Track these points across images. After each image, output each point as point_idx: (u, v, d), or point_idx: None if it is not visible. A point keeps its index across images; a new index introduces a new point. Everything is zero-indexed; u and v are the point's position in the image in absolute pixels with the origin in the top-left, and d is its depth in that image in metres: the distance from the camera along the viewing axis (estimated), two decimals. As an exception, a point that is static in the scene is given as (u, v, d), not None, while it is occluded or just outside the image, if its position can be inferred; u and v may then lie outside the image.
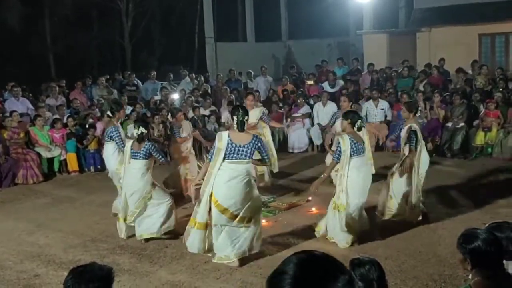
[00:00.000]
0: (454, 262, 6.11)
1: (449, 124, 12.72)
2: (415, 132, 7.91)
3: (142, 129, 7.76)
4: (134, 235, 7.80)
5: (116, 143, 8.72)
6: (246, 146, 6.59)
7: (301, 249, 6.24)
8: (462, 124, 12.63)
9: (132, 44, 26.01)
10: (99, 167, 12.33)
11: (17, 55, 23.34)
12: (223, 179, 6.54)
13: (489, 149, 12.28)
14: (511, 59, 17.97)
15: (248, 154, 6.60)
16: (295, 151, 13.90)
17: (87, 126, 12.90)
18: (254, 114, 9.55)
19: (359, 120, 7.40)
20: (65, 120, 13.01)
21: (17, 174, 11.68)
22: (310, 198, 9.48)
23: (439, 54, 17.03)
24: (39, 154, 12.13)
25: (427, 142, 12.70)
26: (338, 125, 9.34)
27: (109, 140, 8.91)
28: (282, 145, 14.06)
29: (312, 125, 14.09)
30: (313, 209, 8.92)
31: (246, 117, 6.77)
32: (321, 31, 26.23)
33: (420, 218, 7.99)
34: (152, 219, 7.71)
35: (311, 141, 14.05)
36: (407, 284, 6.04)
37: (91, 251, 7.48)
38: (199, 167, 9.75)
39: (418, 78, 15.43)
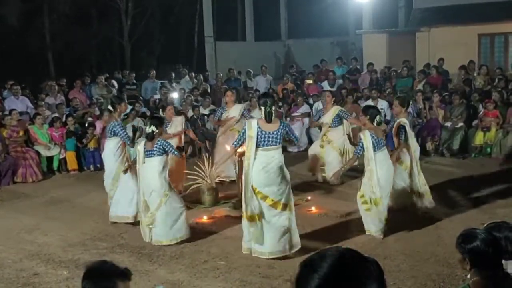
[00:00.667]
0: (453, 262, 6.12)
1: (448, 124, 12.73)
2: (404, 127, 8.28)
3: (153, 127, 7.64)
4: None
5: (121, 137, 8.49)
6: (275, 132, 6.81)
7: (300, 248, 6.20)
8: (461, 124, 12.65)
9: (132, 43, 25.99)
10: (98, 165, 12.34)
11: (16, 52, 23.31)
12: (260, 167, 6.76)
13: (488, 149, 12.29)
14: (510, 59, 17.97)
15: (278, 140, 6.83)
16: (294, 150, 13.89)
17: (86, 124, 12.90)
18: (237, 110, 10.52)
19: (378, 115, 7.63)
20: (64, 119, 13.00)
21: (16, 172, 11.69)
22: (309, 197, 9.50)
23: (439, 54, 17.04)
24: (38, 153, 12.13)
25: (426, 142, 12.75)
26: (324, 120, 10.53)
27: (111, 135, 8.62)
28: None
29: (312, 124, 14.09)
30: (313, 208, 8.94)
31: (273, 107, 6.97)
32: (320, 30, 26.22)
33: (431, 204, 8.30)
34: (167, 226, 7.52)
35: (310, 140, 14.04)
36: (406, 284, 6.05)
37: (90, 250, 7.48)
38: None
39: (417, 78, 15.44)
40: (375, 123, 7.53)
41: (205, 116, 14.20)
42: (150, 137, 7.65)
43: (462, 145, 12.54)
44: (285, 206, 6.87)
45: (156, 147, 7.59)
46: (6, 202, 10.34)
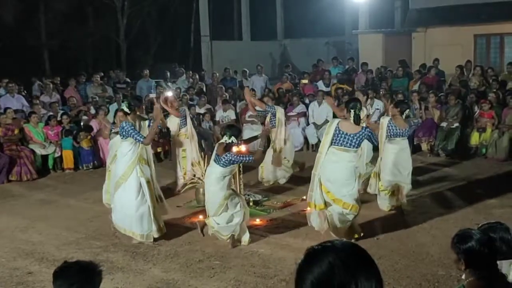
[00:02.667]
0: (448, 262, 6.13)
1: (444, 124, 12.73)
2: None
3: (233, 138, 7.18)
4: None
5: (135, 138, 7.41)
6: (353, 135, 7.03)
7: (295, 248, 6.20)
8: (457, 124, 12.65)
9: (128, 42, 25.93)
10: (95, 162, 12.35)
11: (11, 50, 23.23)
12: (328, 162, 7.15)
13: (484, 150, 12.30)
14: (506, 60, 18.00)
15: (354, 144, 7.08)
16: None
17: (81, 124, 12.87)
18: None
19: (408, 109, 8.86)
20: (59, 118, 12.96)
21: (11, 171, 11.64)
22: (304, 197, 9.48)
23: (435, 54, 17.06)
24: (33, 151, 12.09)
25: (422, 142, 12.76)
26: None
27: (124, 138, 7.55)
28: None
29: (308, 124, 14.07)
30: (308, 208, 8.90)
31: (361, 111, 7.49)
32: (316, 30, 26.22)
33: None
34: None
35: (306, 140, 14.04)
36: (401, 284, 6.05)
37: (85, 248, 7.46)
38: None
39: (414, 78, 15.45)
40: (403, 116, 8.53)
41: (201, 115, 14.17)
42: (229, 148, 7.18)
43: (458, 146, 12.55)
44: (348, 206, 7.16)
45: (225, 156, 7.14)
46: (0, 200, 10.29)
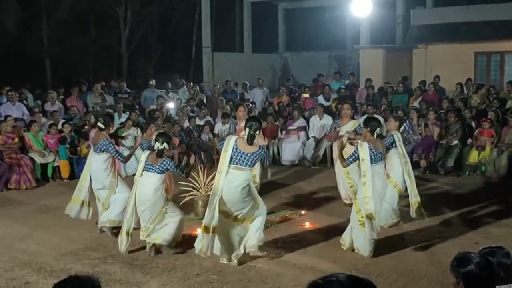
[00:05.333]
0: (446, 281, 6.11)
1: (443, 142, 12.75)
2: (393, 135, 8.62)
3: (165, 145, 7.47)
4: (135, 250, 7.68)
5: (114, 154, 8.42)
6: (250, 154, 6.92)
7: (293, 264, 6.21)
8: (456, 142, 12.67)
9: (129, 52, 26.02)
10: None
11: (13, 58, 23.31)
12: (227, 182, 6.95)
13: (483, 168, 12.32)
14: (506, 78, 18.09)
15: (250, 163, 6.96)
16: (288, 163, 13.87)
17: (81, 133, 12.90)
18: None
19: (379, 128, 7.56)
20: (60, 126, 12.97)
21: (10, 179, 11.64)
22: (303, 212, 9.49)
23: (435, 71, 17.13)
24: (32, 160, 12.09)
25: (421, 159, 12.77)
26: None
27: (100, 152, 8.42)
28: (276, 157, 14.06)
29: (308, 138, 14.08)
30: (307, 223, 8.91)
31: (257, 132, 7.05)
32: (318, 44, 26.34)
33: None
34: (168, 228, 7.58)
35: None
36: (398, 303, 6.04)
37: (82, 259, 7.44)
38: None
39: (415, 94, 15.50)
40: (375, 135, 7.48)
41: (200, 127, 14.19)
42: (161, 154, 7.46)
43: (457, 163, 12.56)
44: (247, 220, 7.18)
45: (160, 165, 7.45)
46: (-2, 208, 10.29)
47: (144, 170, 7.52)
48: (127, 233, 7.57)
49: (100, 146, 8.40)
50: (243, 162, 6.92)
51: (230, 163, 6.93)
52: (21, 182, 11.68)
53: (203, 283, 6.61)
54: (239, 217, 7.16)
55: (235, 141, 7.02)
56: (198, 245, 7.04)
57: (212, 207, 6.94)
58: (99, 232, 8.50)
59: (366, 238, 7.26)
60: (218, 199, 6.92)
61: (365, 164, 7.27)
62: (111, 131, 8.95)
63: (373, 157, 7.30)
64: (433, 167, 12.71)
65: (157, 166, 7.46)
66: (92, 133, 12.62)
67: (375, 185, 7.29)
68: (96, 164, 8.54)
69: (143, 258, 7.45)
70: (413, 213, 8.34)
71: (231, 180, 6.93)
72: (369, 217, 7.17)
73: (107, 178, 8.48)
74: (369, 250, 7.29)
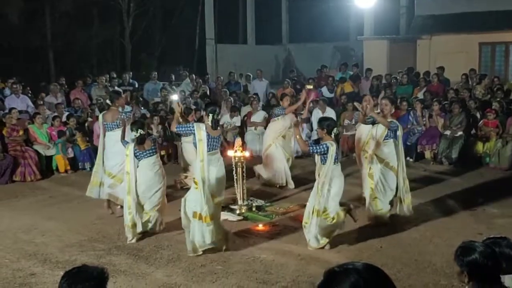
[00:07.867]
0: (450, 271, 6.13)
1: (448, 133, 12.72)
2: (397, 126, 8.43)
3: (140, 131, 7.90)
4: (139, 241, 7.78)
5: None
6: (217, 138, 7.35)
7: (297, 254, 6.21)
8: (461, 133, 12.63)
9: (133, 44, 25.99)
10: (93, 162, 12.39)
11: (17, 51, 23.33)
12: (210, 169, 7.20)
13: (487, 159, 12.29)
14: (511, 68, 18.03)
15: (218, 145, 7.41)
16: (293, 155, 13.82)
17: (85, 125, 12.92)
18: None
19: (336, 128, 7.37)
20: (64, 119, 12.99)
21: (15, 171, 11.68)
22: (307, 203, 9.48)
23: (439, 61, 17.07)
24: (37, 152, 12.12)
25: (425, 150, 12.75)
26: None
27: (116, 128, 8.85)
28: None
29: (311, 130, 14.05)
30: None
31: (219, 117, 7.62)
32: (321, 35, 26.28)
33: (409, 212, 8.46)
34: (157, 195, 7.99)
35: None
36: (403, 293, 6.05)
37: (88, 251, 7.48)
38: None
39: (419, 85, 15.45)
40: (332, 135, 7.21)
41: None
42: (142, 140, 7.89)
43: (461, 154, 12.53)
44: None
45: (149, 149, 7.92)
46: (4, 201, 10.32)
47: (139, 160, 7.89)
48: (133, 226, 7.72)
49: (117, 123, 8.85)
50: (215, 146, 7.28)
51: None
52: (26, 174, 11.72)
53: (208, 273, 6.64)
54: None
55: (205, 129, 7.22)
56: (188, 244, 7.17)
57: (205, 197, 7.06)
58: (106, 207, 8.98)
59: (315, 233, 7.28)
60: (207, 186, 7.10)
61: (331, 161, 7.11)
62: (122, 106, 9.21)
63: (335, 158, 7.20)
64: (437, 158, 12.69)
65: (147, 151, 7.90)
66: (96, 125, 12.67)
67: (334, 186, 7.23)
68: (112, 141, 8.87)
69: (148, 249, 7.49)
70: (402, 210, 8.33)
71: (212, 164, 7.20)
72: (317, 214, 7.18)
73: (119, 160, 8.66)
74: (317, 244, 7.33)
